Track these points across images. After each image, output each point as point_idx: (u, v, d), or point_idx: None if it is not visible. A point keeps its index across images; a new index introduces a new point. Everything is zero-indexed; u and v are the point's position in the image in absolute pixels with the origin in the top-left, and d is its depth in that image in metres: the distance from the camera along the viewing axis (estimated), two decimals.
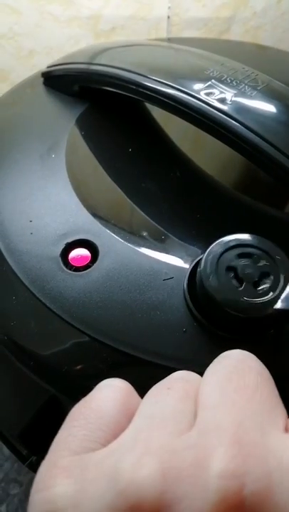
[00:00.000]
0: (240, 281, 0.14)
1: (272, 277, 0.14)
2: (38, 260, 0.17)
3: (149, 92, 0.21)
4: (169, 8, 0.38)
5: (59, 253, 0.17)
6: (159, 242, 0.18)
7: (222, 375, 0.10)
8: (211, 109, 0.19)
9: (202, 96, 0.19)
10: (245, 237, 0.15)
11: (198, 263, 0.15)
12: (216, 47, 0.31)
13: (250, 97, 0.19)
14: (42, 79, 0.27)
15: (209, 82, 0.20)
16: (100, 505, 0.08)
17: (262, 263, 0.14)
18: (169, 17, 0.38)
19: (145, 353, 0.15)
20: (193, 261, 0.17)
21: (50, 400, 0.16)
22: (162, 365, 0.15)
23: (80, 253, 0.17)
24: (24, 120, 0.24)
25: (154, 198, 0.21)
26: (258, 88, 0.20)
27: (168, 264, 0.17)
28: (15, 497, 0.28)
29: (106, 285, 0.16)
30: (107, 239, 0.18)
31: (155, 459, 0.08)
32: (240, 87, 0.20)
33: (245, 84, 0.20)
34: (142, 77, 0.21)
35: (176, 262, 0.17)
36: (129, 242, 0.18)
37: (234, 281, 0.14)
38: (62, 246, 0.17)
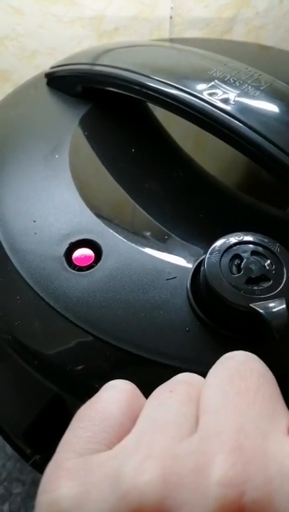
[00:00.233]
0: (239, 271, 0.14)
1: (271, 282, 0.14)
2: (41, 260, 0.17)
3: (152, 93, 0.21)
4: (172, 8, 0.38)
5: (63, 253, 0.17)
6: (162, 242, 0.19)
7: (224, 378, 0.10)
8: (214, 109, 0.19)
9: (205, 96, 0.19)
10: (260, 236, 0.15)
11: (201, 262, 0.15)
12: (219, 47, 0.31)
13: (254, 97, 0.19)
14: (45, 79, 0.27)
15: (212, 83, 0.20)
16: (102, 509, 0.08)
17: (269, 267, 0.14)
18: (171, 17, 0.39)
19: (148, 352, 0.15)
20: (196, 261, 0.17)
21: (54, 399, 0.16)
22: (165, 364, 0.15)
23: (83, 253, 0.17)
24: (27, 121, 0.24)
25: (157, 198, 0.21)
26: (261, 88, 0.20)
27: (171, 263, 0.17)
28: (17, 496, 0.28)
29: (109, 285, 0.16)
30: (111, 239, 0.18)
31: (157, 464, 0.08)
32: (244, 87, 0.20)
33: (249, 85, 0.20)
34: (145, 78, 0.21)
35: (179, 261, 0.17)
36: (132, 242, 0.18)
37: (234, 268, 0.14)
38: (65, 246, 0.17)
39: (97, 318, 0.16)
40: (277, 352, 0.14)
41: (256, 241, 0.15)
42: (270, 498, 0.07)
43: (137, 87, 0.22)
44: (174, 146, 0.25)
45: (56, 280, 0.17)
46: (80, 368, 0.16)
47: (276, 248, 0.15)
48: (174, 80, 0.21)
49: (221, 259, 0.15)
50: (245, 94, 0.19)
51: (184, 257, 0.18)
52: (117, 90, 0.23)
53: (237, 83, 0.20)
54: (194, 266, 0.16)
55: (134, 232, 0.19)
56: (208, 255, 0.15)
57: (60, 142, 0.22)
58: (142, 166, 0.23)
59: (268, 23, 0.41)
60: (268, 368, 0.10)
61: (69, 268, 0.17)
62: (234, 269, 0.15)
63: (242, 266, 0.14)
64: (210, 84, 0.20)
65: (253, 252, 0.15)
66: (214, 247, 0.15)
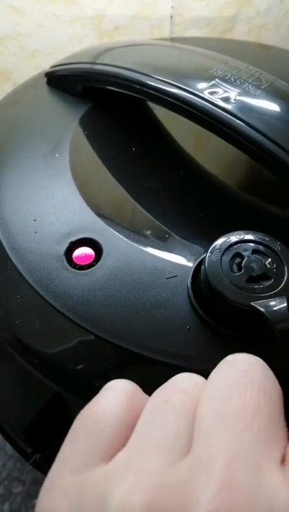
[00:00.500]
0: (240, 270, 0.14)
1: (271, 281, 0.14)
2: (42, 259, 0.17)
3: (152, 92, 0.21)
4: (172, 7, 0.38)
5: (63, 252, 0.17)
6: (162, 241, 0.18)
7: (222, 392, 0.09)
8: (215, 108, 0.19)
9: (206, 95, 0.19)
10: (261, 235, 0.15)
11: (201, 261, 0.15)
12: (220, 46, 0.31)
13: (254, 96, 0.19)
14: (45, 79, 0.27)
15: (213, 81, 0.20)
16: None
17: (270, 265, 0.14)
18: (172, 16, 0.38)
19: (149, 351, 0.15)
20: (196, 259, 0.17)
21: (54, 398, 0.16)
22: (166, 363, 0.15)
23: (84, 252, 0.17)
24: (28, 120, 0.24)
25: (158, 196, 0.21)
26: (262, 87, 0.20)
27: (171, 262, 0.17)
28: (18, 495, 0.28)
29: (110, 283, 0.16)
30: (111, 237, 0.18)
31: (144, 493, 0.08)
32: (244, 86, 0.20)
33: (249, 84, 0.20)
34: (145, 77, 0.21)
35: (180, 260, 0.17)
36: (132, 241, 0.18)
37: (235, 267, 0.14)
38: (66, 245, 0.17)
39: (97, 316, 0.16)
40: (278, 350, 0.14)
41: (257, 239, 0.15)
42: None
43: (138, 86, 0.22)
44: (175, 145, 0.25)
45: (56, 279, 0.16)
46: (80, 366, 0.15)
47: (277, 247, 0.15)
48: (175, 79, 0.21)
49: (221, 258, 0.15)
50: (246, 93, 0.19)
51: (185, 256, 0.18)
52: (117, 89, 0.23)
53: (238, 82, 0.20)
54: (195, 264, 0.16)
55: (134, 231, 0.19)
56: (208, 254, 0.15)
57: (60, 141, 0.22)
58: (142, 165, 0.23)
59: (269, 22, 0.41)
60: (271, 374, 0.10)
61: (69, 267, 0.17)
62: (235, 267, 0.15)
63: (243, 264, 0.14)
64: (211, 83, 0.20)
65: (254, 251, 0.15)
66: (215, 245, 0.15)
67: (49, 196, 0.19)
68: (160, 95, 0.21)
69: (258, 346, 0.15)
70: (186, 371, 0.15)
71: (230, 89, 0.20)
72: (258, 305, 0.13)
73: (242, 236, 0.15)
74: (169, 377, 0.15)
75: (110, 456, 0.09)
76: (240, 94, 0.19)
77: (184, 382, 0.11)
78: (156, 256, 0.17)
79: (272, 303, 0.14)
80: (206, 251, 0.15)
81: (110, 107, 0.25)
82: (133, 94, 0.22)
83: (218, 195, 0.22)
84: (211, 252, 0.15)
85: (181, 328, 0.15)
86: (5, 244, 0.18)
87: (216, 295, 0.14)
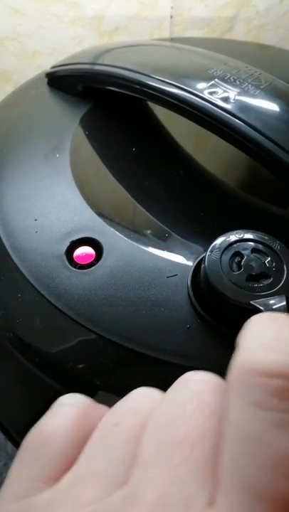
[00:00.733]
0: (239, 268, 0.14)
1: (271, 279, 0.14)
2: (43, 258, 0.17)
3: (152, 92, 0.21)
4: (172, 8, 0.38)
5: (64, 251, 0.17)
6: (162, 240, 0.19)
7: (167, 417, 0.09)
8: (214, 107, 0.19)
9: (206, 95, 0.20)
10: (260, 234, 0.15)
11: (201, 260, 0.15)
12: (219, 46, 0.31)
13: (254, 96, 0.19)
14: (46, 79, 0.27)
15: (213, 81, 0.20)
16: None
17: (269, 264, 0.14)
18: (171, 17, 0.39)
19: (149, 349, 0.15)
20: (196, 258, 0.17)
21: (55, 397, 0.16)
22: (166, 361, 0.15)
23: (84, 251, 0.17)
24: (28, 120, 0.24)
25: (158, 196, 0.21)
26: (261, 87, 0.20)
27: (172, 261, 0.17)
28: None
29: (110, 282, 0.16)
30: (112, 237, 0.18)
31: None
32: (244, 86, 0.20)
33: (249, 83, 0.20)
34: (145, 77, 0.22)
35: (180, 259, 0.17)
36: (133, 240, 0.18)
37: (234, 266, 0.14)
38: (67, 244, 0.17)
39: (98, 315, 0.16)
40: None
41: (256, 239, 0.15)
42: None
43: (138, 86, 0.22)
44: (175, 145, 0.25)
45: (57, 278, 0.17)
46: (81, 365, 0.16)
47: (276, 246, 0.15)
48: (175, 79, 0.21)
49: (221, 257, 0.15)
50: (245, 92, 0.20)
51: (185, 255, 0.18)
52: (117, 89, 0.23)
53: (237, 82, 0.20)
54: (195, 263, 0.17)
55: (134, 231, 0.19)
56: (208, 253, 0.15)
57: (60, 141, 0.22)
58: (142, 165, 0.23)
59: (268, 22, 0.41)
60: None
61: (70, 266, 0.17)
62: (234, 266, 0.15)
63: (242, 263, 0.15)
64: (210, 83, 0.20)
65: (254, 250, 0.15)
66: (214, 244, 0.15)
67: (50, 196, 0.19)
68: (160, 95, 0.21)
69: None
70: (186, 369, 0.15)
71: (229, 89, 0.20)
72: (258, 303, 0.14)
73: (241, 235, 0.15)
74: (169, 376, 0.15)
75: (56, 479, 0.09)
76: (239, 94, 0.19)
77: (138, 400, 0.10)
78: (156, 255, 0.17)
79: (272, 301, 0.14)
80: (206, 250, 0.15)
81: (110, 107, 0.25)
82: (133, 94, 0.22)
83: (218, 194, 0.22)
84: (211, 251, 0.15)
85: (181, 326, 0.15)
86: (6, 244, 0.18)
87: (215, 294, 0.14)
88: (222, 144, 0.20)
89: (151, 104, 0.26)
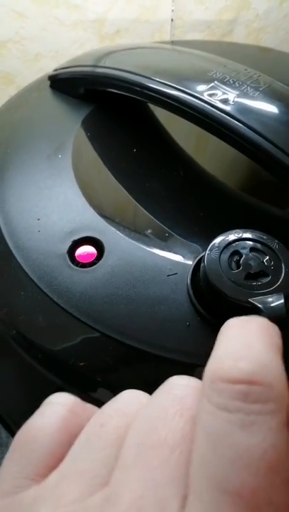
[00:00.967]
0: (238, 267, 0.15)
1: (269, 278, 0.14)
2: (45, 257, 0.18)
3: (153, 94, 0.22)
4: (173, 11, 0.38)
5: (66, 250, 0.18)
6: (162, 240, 0.19)
7: (150, 420, 0.09)
8: (214, 109, 0.19)
9: (205, 97, 0.20)
10: (258, 233, 0.15)
11: (201, 259, 0.16)
12: (219, 49, 0.32)
13: (253, 98, 0.20)
14: (48, 82, 0.27)
15: (212, 84, 0.20)
16: None
17: (267, 263, 0.15)
18: (172, 20, 0.39)
19: (150, 347, 0.15)
20: (196, 257, 0.17)
21: (58, 392, 0.16)
22: (166, 358, 0.15)
23: (86, 250, 0.18)
24: (31, 122, 0.24)
25: (158, 197, 0.22)
26: (260, 89, 0.20)
27: (172, 260, 0.17)
28: None
29: (112, 281, 0.17)
30: (113, 236, 0.18)
31: None
32: (243, 88, 0.20)
33: (248, 86, 0.20)
34: (146, 79, 0.22)
35: (180, 258, 0.18)
36: (133, 240, 0.18)
37: (233, 264, 0.15)
38: (69, 243, 0.18)
39: (99, 313, 0.16)
40: None
41: (255, 238, 0.15)
42: None
43: (139, 89, 0.22)
44: (175, 147, 0.25)
45: (60, 276, 0.17)
46: (83, 362, 0.16)
47: (274, 245, 0.15)
48: (175, 82, 0.21)
49: (220, 256, 0.15)
50: (244, 94, 0.20)
51: (184, 254, 0.18)
52: (118, 92, 0.24)
53: (236, 84, 0.20)
54: (194, 262, 0.17)
55: (135, 230, 0.19)
56: (208, 252, 0.15)
57: (63, 142, 0.22)
58: (143, 166, 0.23)
59: (268, 25, 0.42)
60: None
61: (72, 265, 0.17)
62: (233, 265, 0.15)
63: (241, 262, 0.15)
64: (210, 86, 0.20)
65: (252, 249, 0.15)
66: (214, 243, 0.15)
67: (52, 196, 0.20)
68: (161, 97, 0.21)
69: None
70: (185, 366, 0.15)
71: (229, 91, 0.20)
72: (256, 301, 0.14)
73: (240, 234, 0.15)
74: (169, 372, 0.16)
75: (43, 477, 0.09)
76: (238, 96, 0.20)
77: (125, 402, 0.10)
78: (156, 254, 0.18)
79: (270, 299, 0.14)
80: (205, 249, 0.15)
81: (112, 109, 0.25)
82: (134, 96, 0.23)
83: (218, 195, 0.23)
84: (210, 250, 0.15)
85: (181, 324, 0.16)
86: (9, 243, 0.18)
87: (215, 292, 0.14)
88: (222, 145, 0.20)
89: (152, 106, 0.26)
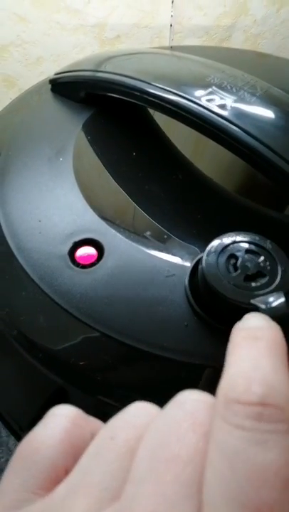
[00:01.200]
0: (236, 270, 0.15)
1: (267, 277, 0.15)
2: (46, 258, 0.18)
3: (152, 99, 0.22)
4: (172, 16, 0.39)
5: (67, 251, 0.18)
6: (161, 242, 0.19)
7: (162, 434, 0.09)
8: (211, 114, 0.20)
9: (203, 102, 0.20)
10: (251, 235, 0.16)
11: (198, 261, 0.16)
12: (218, 55, 0.32)
13: (250, 103, 0.20)
14: (49, 86, 0.28)
15: (210, 89, 0.21)
16: None
17: (263, 263, 0.15)
18: (171, 25, 0.40)
19: (148, 346, 0.16)
20: (194, 259, 0.17)
21: (58, 392, 0.17)
22: (164, 357, 0.16)
23: (86, 251, 0.18)
24: (33, 125, 0.25)
25: (157, 199, 0.22)
26: (257, 94, 0.21)
27: (170, 262, 0.18)
28: None
29: (111, 282, 0.17)
30: (113, 238, 0.18)
31: None
32: (240, 93, 0.21)
33: (245, 91, 0.21)
34: (146, 84, 0.22)
35: (178, 260, 0.18)
36: (133, 242, 0.18)
37: (231, 268, 0.15)
38: (69, 245, 0.18)
39: (99, 313, 0.16)
40: None
41: (248, 240, 0.16)
42: None
43: (139, 94, 0.23)
44: (174, 150, 0.26)
45: (60, 277, 0.17)
46: (83, 361, 0.16)
47: (267, 244, 0.15)
48: (174, 87, 0.22)
49: (217, 260, 0.15)
50: (241, 100, 0.20)
51: (183, 256, 0.18)
52: (119, 96, 0.24)
53: (234, 89, 0.21)
54: (192, 264, 0.17)
55: (135, 232, 0.19)
56: (205, 257, 0.15)
57: (64, 146, 0.23)
58: (142, 169, 0.23)
59: (266, 30, 0.42)
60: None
61: (73, 266, 0.18)
62: (231, 268, 0.15)
63: (238, 265, 0.15)
64: (208, 91, 0.21)
65: (247, 251, 0.15)
66: (210, 248, 0.15)
67: (53, 198, 0.20)
68: (160, 102, 0.22)
69: None
70: (183, 365, 0.16)
71: (226, 96, 0.21)
72: (258, 302, 0.14)
73: (233, 237, 0.16)
74: (168, 371, 0.16)
75: (47, 490, 0.09)
76: (235, 101, 0.20)
77: (135, 414, 0.10)
78: (155, 256, 0.18)
79: (271, 299, 0.14)
80: (203, 251, 0.16)
81: (112, 113, 0.26)
82: (134, 101, 0.23)
83: (215, 198, 0.23)
84: (207, 256, 0.15)
85: (179, 324, 0.16)
86: (11, 244, 0.19)
87: (216, 296, 0.15)
88: (220, 149, 0.20)
89: (151, 110, 0.27)
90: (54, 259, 0.18)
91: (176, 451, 0.08)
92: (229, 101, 0.20)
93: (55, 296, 0.17)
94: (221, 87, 0.21)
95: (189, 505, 0.08)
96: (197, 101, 0.20)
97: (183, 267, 0.17)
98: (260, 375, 0.09)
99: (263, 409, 0.08)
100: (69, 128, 0.24)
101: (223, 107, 0.20)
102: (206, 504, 0.08)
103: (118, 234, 0.19)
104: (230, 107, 0.20)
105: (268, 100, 0.21)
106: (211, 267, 0.15)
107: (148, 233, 0.20)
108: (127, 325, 0.16)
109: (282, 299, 0.14)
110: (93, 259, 0.18)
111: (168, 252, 0.18)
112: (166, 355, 0.16)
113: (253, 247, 0.15)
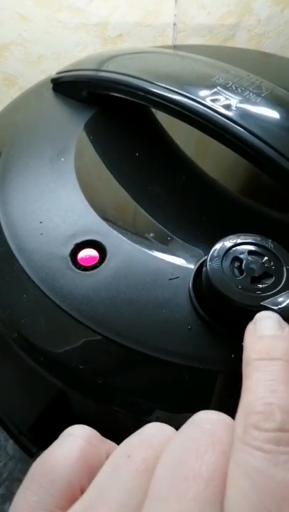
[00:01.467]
0: (241, 273, 0.15)
1: (273, 278, 0.14)
2: (48, 260, 0.18)
3: (156, 98, 0.22)
4: (175, 15, 0.39)
5: (68, 253, 0.18)
6: (164, 243, 0.19)
7: (181, 452, 0.09)
8: (216, 115, 0.20)
9: (208, 102, 0.20)
10: (252, 236, 0.15)
11: (203, 263, 0.16)
12: (221, 54, 0.32)
13: (255, 104, 0.20)
14: (51, 85, 0.27)
15: (215, 89, 0.21)
16: None
17: (267, 264, 0.15)
18: (175, 24, 0.39)
19: (151, 350, 0.15)
20: (198, 261, 0.17)
21: (59, 395, 0.17)
22: (168, 361, 0.15)
23: (88, 253, 0.18)
24: (34, 125, 0.25)
25: (160, 200, 0.22)
26: (262, 95, 0.20)
27: (173, 264, 0.17)
28: None
29: (114, 284, 0.17)
30: (115, 239, 0.18)
31: None
32: (245, 93, 0.20)
33: (250, 91, 0.21)
34: (149, 84, 0.22)
35: (182, 262, 0.18)
36: (136, 243, 0.18)
37: (236, 271, 0.15)
38: (71, 246, 0.18)
39: (101, 316, 0.16)
40: None
41: (251, 241, 0.15)
42: None
43: (141, 93, 0.22)
44: (177, 151, 0.25)
45: (62, 279, 0.17)
46: (84, 364, 0.16)
47: (269, 244, 0.15)
48: (178, 86, 0.21)
49: (222, 264, 0.15)
50: (246, 100, 0.20)
51: (186, 258, 0.18)
52: (121, 96, 0.24)
53: (239, 90, 0.21)
54: (196, 266, 0.17)
55: (137, 234, 0.19)
56: (209, 262, 0.15)
57: (65, 146, 0.23)
58: (145, 170, 0.23)
59: (270, 30, 0.42)
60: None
61: (74, 268, 0.17)
62: (236, 271, 0.15)
63: (243, 267, 0.15)
64: (212, 91, 0.21)
65: (250, 252, 0.15)
66: (212, 253, 0.15)
67: (55, 199, 0.20)
68: (163, 102, 0.22)
69: None
70: (187, 369, 0.16)
71: (231, 97, 0.20)
72: (268, 304, 0.14)
73: (235, 240, 0.15)
74: (171, 375, 0.16)
75: (63, 509, 0.09)
76: (241, 102, 0.20)
77: (151, 434, 0.10)
78: (158, 258, 0.18)
79: (280, 299, 0.14)
80: (207, 253, 0.15)
81: (114, 113, 0.26)
82: (137, 100, 0.23)
83: (219, 199, 0.23)
84: (211, 261, 0.15)
85: (183, 327, 0.16)
86: (12, 245, 0.18)
87: (223, 300, 0.14)
88: (223, 150, 0.20)
89: (153, 110, 0.27)
90: (55, 260, 0.18)
91: (196, 468, 0.08)
92: (234, 101, 0.20)
93: (57, 299, 0.17)
94: (226, 87, 0.21)
95: None
96: (202, 101, 0.20)
97: (187, 269, 0.17)
98: (277, 400, 0.09)
99: (281, 436, 0.08)
100: (71, 128, 0.24)
101: (228, 107, 0.20)
102: None
103: (121, 235, 0.18)
104: (236, 107, 0.20)
105: (273, 101, 0.20)
106: (216, 271, 0.15)
107: (151, 235, 0.19)
108: (130, 328, 0.16)
109: None
110: (95, 261, 0.17)
111: (171, 254, 0.18)
112: (169, 359, 0.15)
113: (255, 248, 0.15)
